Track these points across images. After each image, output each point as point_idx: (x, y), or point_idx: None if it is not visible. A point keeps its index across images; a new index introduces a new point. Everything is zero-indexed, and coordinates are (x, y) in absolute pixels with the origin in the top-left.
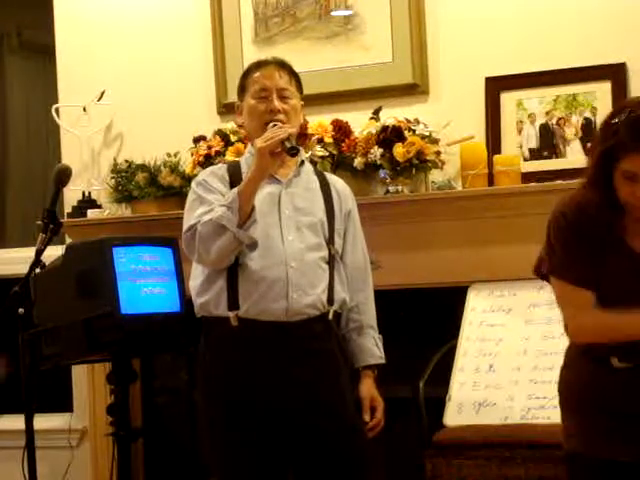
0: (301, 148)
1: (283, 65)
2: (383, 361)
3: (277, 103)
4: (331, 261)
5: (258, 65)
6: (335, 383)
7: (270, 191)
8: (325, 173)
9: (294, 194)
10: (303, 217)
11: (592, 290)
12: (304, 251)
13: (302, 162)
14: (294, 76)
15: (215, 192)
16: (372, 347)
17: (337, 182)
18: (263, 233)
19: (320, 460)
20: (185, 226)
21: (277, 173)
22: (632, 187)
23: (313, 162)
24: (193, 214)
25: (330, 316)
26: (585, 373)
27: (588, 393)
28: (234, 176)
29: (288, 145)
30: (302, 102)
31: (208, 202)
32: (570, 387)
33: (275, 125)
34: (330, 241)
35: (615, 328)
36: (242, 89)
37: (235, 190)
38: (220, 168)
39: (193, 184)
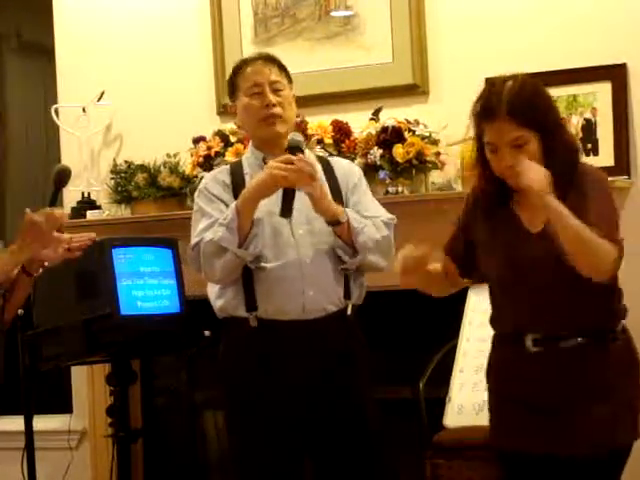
0: (306, 147)
1: (271, 59)
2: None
3: (271, 97)
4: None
5: (245, 62)
6: (354, 380)
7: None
8: (329, 158)
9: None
10: (311, 209)
11: (453, 261)
12: (316, 244)
13: (302, 152)
14: (283, 68)
15: (216, 201)
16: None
17: (341, 164)
18: (273, 231)
19: (338, 456)
20: (191, 242)
21: None
22: (497, 157)
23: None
24: (196, 229)
25: (349, 311)
26: (501, 357)
27: (502, 379)
28: (236, 179)
29: (286, 207)
30: (293, 93)
31: (208, 215)
32: (489, 372)
33: (300, 157)
34: None
35: None
36: (233, 89)
37: (233, 207)
38: (221, 172)
39: (196, 193)
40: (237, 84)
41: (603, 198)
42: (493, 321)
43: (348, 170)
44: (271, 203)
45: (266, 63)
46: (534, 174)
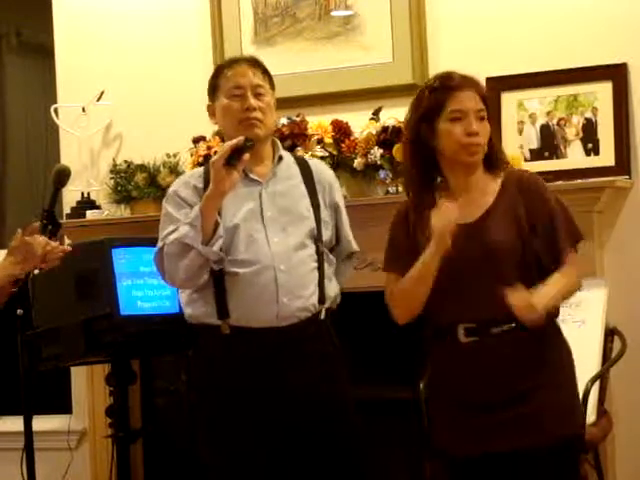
0: (278, 141)
1: (256, 63)
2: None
3: (253, 101)
4: (320, 258)
5: (230, 64)
6: (331, 384)
7: (250, 194)
8: (307, 160)
9: (275, 193)
10: (287, 216)
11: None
12: (291, 251)
13: (280, 158)
14: (267, 74)
15: (184, 206)
16: None
17: (320, 171)
18: (247, 238)
19: (318, 461)
20: (156, 247)
21: (255, 173)
22: (462, 125)
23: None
24: (163, 233)
25: (322, 316)
26: (438, 360)
27: (440, 382)
28: (208, 183)
29: (241, 144)
30: (275, 100)
31: (175, 220)
32: (429, 379)
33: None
34: (318, 237)
35: (408, 278)
36: (213, 89)
37: (197, 207)
38: (192, 176)
39: (165, 197)
40: (218, 84)
41: (554, 203)
42: (426, 317)
43: (329, 178)
44: (245, 208)
45: (250, 66)
46: (524, 309)
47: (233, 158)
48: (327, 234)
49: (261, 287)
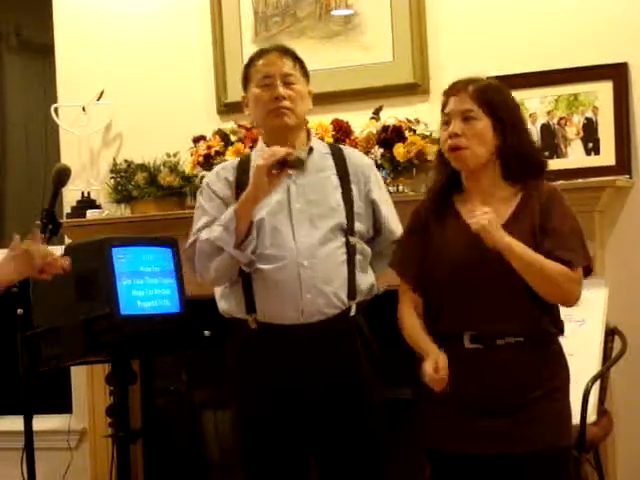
0: (312, 131)
1: (286, 51)
2: None
3: (281, 89)
4: (349, 251)
5: (260, 53)
6: (355, 381)
7: (279, 186)
8: (343, 149)
9: (305, 185)
10: (316, 209)
11: (417, 290)
12: (316, 246)
13: (311, 149)
14: (298, 61)
15: (215, 199)
16: None
17: (356, 161)
18: (273, 231)
19: (339, 455)
20: (188, 240)
21: None
22: (445, 130)
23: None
24: (195, 226)
25: (352, 312)
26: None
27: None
28: (241, 176)
29: (290, 158)
30: (310, 88)
31: (207, 213)
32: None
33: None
34: (349, 230)
35: (413, 339)
36: (246, 80)
37: (232, 209)
38: (225, 168)
39: (199, 189)
40: (249, 75)
41: (571, 221)
42: (431, 321)
43: (363, 164)
44: (273, 201)
45: (280, 55)
46: (480, 218)
47: (282, 166)
48: (361, 226)
49: (284, 284)
